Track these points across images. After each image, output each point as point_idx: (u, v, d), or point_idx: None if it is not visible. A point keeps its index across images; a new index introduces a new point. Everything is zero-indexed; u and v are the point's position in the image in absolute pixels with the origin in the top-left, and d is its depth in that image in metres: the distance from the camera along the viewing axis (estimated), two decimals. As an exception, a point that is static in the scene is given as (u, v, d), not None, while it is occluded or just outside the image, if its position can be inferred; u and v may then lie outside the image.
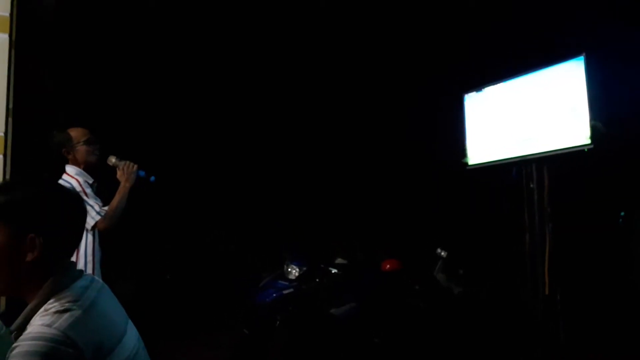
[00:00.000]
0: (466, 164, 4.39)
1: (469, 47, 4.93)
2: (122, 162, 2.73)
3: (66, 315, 1.07)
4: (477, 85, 4.38)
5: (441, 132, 5.13)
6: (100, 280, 1.29)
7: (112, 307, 1.24)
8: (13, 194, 1.13)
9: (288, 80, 6.20)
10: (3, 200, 1.12)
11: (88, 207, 2.54)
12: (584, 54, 3.55)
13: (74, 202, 1.24)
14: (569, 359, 3.62)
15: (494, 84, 4.28)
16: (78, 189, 2.58)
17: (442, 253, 4.69)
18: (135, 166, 2.73)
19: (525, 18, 4.48)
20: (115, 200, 2.64)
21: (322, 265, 4.48)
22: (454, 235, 5.12)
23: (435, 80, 5.35)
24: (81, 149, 2.71)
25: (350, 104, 6.49)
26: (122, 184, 2.69)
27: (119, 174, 2.72)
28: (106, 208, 2.62)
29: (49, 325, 1.03)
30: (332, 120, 6.56)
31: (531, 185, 3.80)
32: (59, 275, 1.15)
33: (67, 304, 1.09)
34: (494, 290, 4.60)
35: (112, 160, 2.75)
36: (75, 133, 2.73)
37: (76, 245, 1.28)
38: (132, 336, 1.24)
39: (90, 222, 2.55)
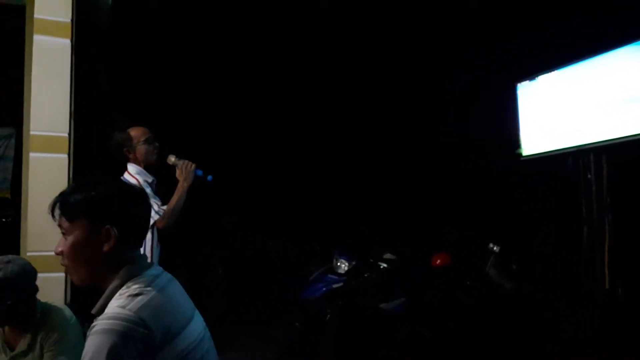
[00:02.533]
0: (520, 154, 4.27)
1: (521, 34, 4.77)
2: (181, 161, 2.78)
3: (138, 298, 1.18)
4: (531, 74, 4.25)
5: (494, 122, 5.00)
6: (169, 273, 1.38)
7: (180, 295, 1.33)
8: (89, 192, 1.26)
9: (330, 79, 6.22)
10: (81, 197, 1.26)
11: None
12: (645, 37, 3.38)
13: (140, 197, 1.37)
14: (631, 355, 3.46)
15: (548, 72, 4.15)
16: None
17: (495, 248, 4.57)
18: (194, 165, 2.78)
19: (579, 1, 4.30)
20: (173, 200, 2.71)
21: (371, 260, 4.47)
22: (507, 229, 4.98)
23: (487, 69, 5.22)
24: (141, 148, 2.78)
25: (400, 98, 6.43)
26: (180, 182, 2.75)
27: (177, 172, 2.78)
28: (164, 207, 2.68)
29: (123, 307, 1.14)
30: (384, 115, 6.52)
31: (589, 176, 3.66)
32: (132, 265, 1.27)
33: (139, 289, 1.21)
34: (550, 286, 4.45)
35: (172, 159, 2.81)
36: (135, 132, 2.80)
37: (144, 237, 1.38)
38: (198, 323, 1.32)
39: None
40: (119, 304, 1.16)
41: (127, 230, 1.26)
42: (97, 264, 1.25)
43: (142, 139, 2.79)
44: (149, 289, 1.22)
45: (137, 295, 1.19)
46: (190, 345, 1.22)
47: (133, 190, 1.38)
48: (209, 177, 2.81)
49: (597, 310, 3.46)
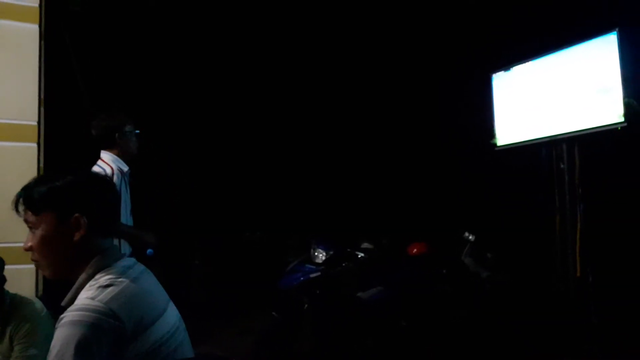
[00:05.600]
0: (495, 144, 4.32)
1: (495, 25, 4.81)
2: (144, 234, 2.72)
3: (109, 289, 1.16)
4: (505, 65, 4.29)
5: (468, 112, 5.05)
6: (142, 265, 1.36)
7: (153, 286, 1.32)
8: (52, 183, 1.24)
9: (310, 68, 6.18)
10: (45, 189, 1.22)
11: None
12: (616, 29, 3.44)
13: (107, 185, 1.35)
14: (602, 342, 3.56)
15: (522, 63, 4.20)
16: (110, 177, 2.60)
17: (470, 237, 4.63)
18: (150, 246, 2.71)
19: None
20: (125, 229, 2.64)
21: (349, 250, 4.48)
22: (481, 218, 5.05)
23: (462, 60, 5.25)
24: (131, 139, 2.74)
25: (374, 87, 6.43)
26: (143, 235, 2.70)
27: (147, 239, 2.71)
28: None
29: (92, 298, 1.13)
30: (358, 103, 6.51)
31: (562, 166, 3.73)
32: (103, 255, 1.25)
33: (110, 280, 1.19)
34: (523, 274, 4.54)
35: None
36: (130, 121, 2.76)
37: (114, 225, 1.37)
38: (172, 315, 1.30)
39: None
40: (89, 295, 1.14)
41: (96, 218, 1.24)
42: (67, 255, 1.23)
43: (132, 129, 2.75)
44: (120, 280, 1.19)
45: (107, 286, 1.16)
46: (164, 337, 1.20)
47: (99, 178, 1.37)
48: (149, 251, 2.73)
49: (568, 298, 3.54)
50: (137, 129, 2.79)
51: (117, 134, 2.69)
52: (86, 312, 1.09)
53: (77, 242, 1.22)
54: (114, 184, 1.42)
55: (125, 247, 2.69)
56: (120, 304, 1.13)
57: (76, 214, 1.21)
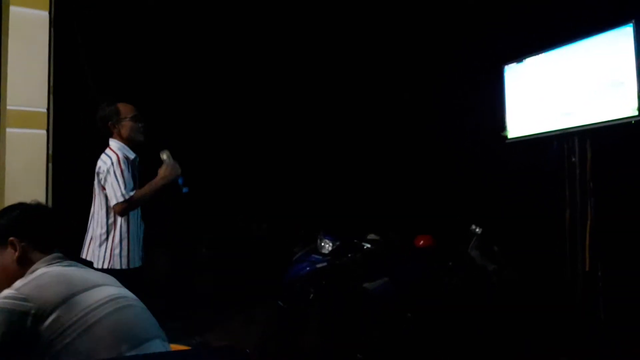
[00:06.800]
0: (506, 137, 4.28)
1: (508, 17, 4.75)
2: (171, 162, 2.75)
3: (27, 279, 1.37)
4: (518, 56, 4.24)
5: (479, 104, 5.00)
6: (85, 266, 1.58)
7: (82, 271, 1.50)
8: None
9: (320, 59, 6.14)
10: None
11: (116, 186, 2.57)
12: (632, 21, 3.38)
13: (38, 209, 1.62)
14: (609, 338, 3.54)
15: (535, 55, 4.15)
16: (115, 164, 2.61)
17: (477, 230, 4.61)
18: (180, 171, 2.75)
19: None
20: (142, 191, 2.67)
21: (355, 241, 4.47)
22: (489, 211, 5.02)
23: (474, 51, 5.19)
24: (127, 124, 2.75)
25: (385, 78, 6.38)
26: (158, 178, 2.71)
27: (162, 168, 2.74)
28: (132, 193, 2.63)
29: (12, 289, 1.33)
30: (368, 95, 6.47)
31: (573, 159, 3.69)
32: (37, 264, 1.46)
33: (33, 274, 1.40)
34: (531, 267, 4.51)
35: (164, 156, 2.77)
36: (123, 108, 2.77)
37: (53, 242, 1.55)
38: (110, 290, 1.44)
39: (112, 200, 2.59)
40: (12, 287, 1.34)
41: (30, 239, 1.49)
42: (14, 270, 1.46)
43: (130, 115, 2.76)
44: (40, 271, 1.40)
45: (29, 279, 1.37)
46: (95, 304, 1.33)
47: (32, 207, 1.61)
48: (185, 189, 2.76)
49: (577, 292, 3.52)
50: (140, 117, 2.80)
51: (109, 123, 2.74)
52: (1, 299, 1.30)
53: (18, 258, 1.47)
54: (46, 208, 1.74)
55: (137, 232, 2.73)
56: (32, 287, 1.32)
57: (11, 238, 1.47)
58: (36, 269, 1.43)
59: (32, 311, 1.26)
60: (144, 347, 1.33)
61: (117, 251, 2.66)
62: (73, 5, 3.79)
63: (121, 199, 2.57)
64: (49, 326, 1.25)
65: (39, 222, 1.57)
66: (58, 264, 1.47)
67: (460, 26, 5.29)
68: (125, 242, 2.68)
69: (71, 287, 1.35)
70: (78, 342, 1.26)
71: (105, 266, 2.62)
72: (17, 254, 1.47)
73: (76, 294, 1.33)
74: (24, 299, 1.27)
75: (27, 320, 1.25)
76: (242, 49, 5.94)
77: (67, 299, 1.30)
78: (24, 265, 1.45)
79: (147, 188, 2.68)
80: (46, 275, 1.38)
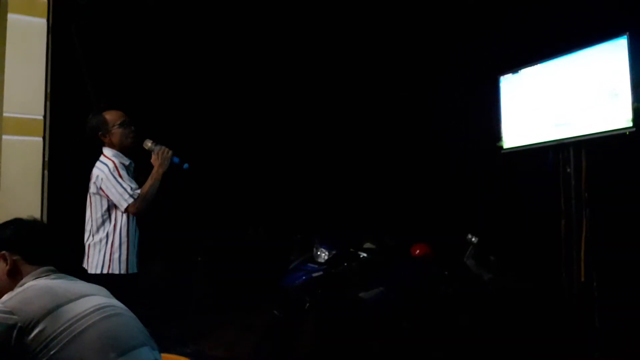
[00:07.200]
0: (501, 147, 4.30)
1: (504, 27, 4.78)
2: (158, 147, 2.74)
3: (14, 293, 1.39)
4: (513, 67, 4.27)
5: (475, 115, 5.02)
6: (74, 278, 1.58)
7: (69, 283, 1.51)
8: None
9: (318, 67, 6.16)
10: None
11: (121, 190, 2.59)
12: (627, 33, 3.42)
13: (34, 228, 1.65)
14: (605, 347, 3.54)
15: (530, 66, 4.18)
16: (113, 170, 2.63)
17: (473, 239, 4.61)
18: (170, 152, 2.74)
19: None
20: (147, 185, 2.67)
21: (351, 250, 4.47)
22: (485, 221, 5.03)
23: (470, 61, 5.22)
24: (116, 132, 2.74)
25: (380, 87, 6.41)
26: (155, 168, 2.71)
27: (153, 158, 2.73)
28: (139, 191, 2.64)
29: None
30: (363, 103, 6.49)
31: (568, 170, 3.71)
32: (26, 278, 1.49)
33: (21, 289, 1.42)
34: (526, 277, 4.52)
35: (148, 144, 2.76)
36: (110, 116, 2.76)
37: (44, 256, 1.58)
38: (97, 300, 1.44)
39: (122, 204, 2.60)
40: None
41: (21, 253, 1.52)
42: (4, 283, 1.49)
43: (118, 122, 2.75)
44: (27, 285, 1.43)
45: (16, 293, 1.39)
46: (81, 314, 1.34)
47: (23, 223, 1.65)
48: (185, 165, 2.77)
49: (572, 302, 3.53)
50: (129, 122, 2.79)
51: (99, 133, 2.74)
52: None
53: (9, 270, 1.50)
54: (40, 223, 1.79)
55: (132, 234, 2.72)
56: (18, 300, 1.34)
57: (2, 252, 1.51)
58: (24, 283, 1.46)
59: (18, 324, 1.27)
60: (132, 354, 1.33)
61: (116, 255, 2.65)
62: (71, 13, 3.80)
63: (131, 200, 2.58)
64: (34, 338, 1.26)
65: (32, 237, 1.61)
66: (46, 277, 1.49)
67: (456, 37, 5.33)
68: (124, 247, 2.67)
69: (56, 299, 1.35)
70: (64, 352, 1.27)
71: (105, 271, 2.61)
72: (7, 267, 1.50)
73: (61, 305, 1.34)
74: (10, 312, 1.28)
75: (12, 334, 1.26)
76: (239, 54, 5.96)
77: (52, 311, 1.31)
78: (14, 279, 1.49)
79: (148, 182, 2.68)
80: (32, 288, 1.40)
